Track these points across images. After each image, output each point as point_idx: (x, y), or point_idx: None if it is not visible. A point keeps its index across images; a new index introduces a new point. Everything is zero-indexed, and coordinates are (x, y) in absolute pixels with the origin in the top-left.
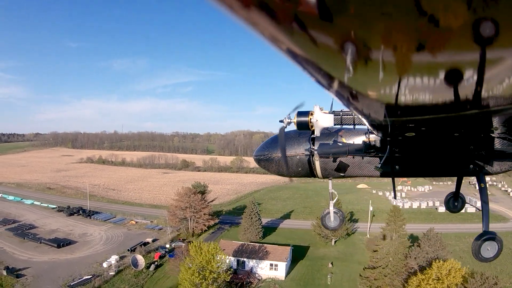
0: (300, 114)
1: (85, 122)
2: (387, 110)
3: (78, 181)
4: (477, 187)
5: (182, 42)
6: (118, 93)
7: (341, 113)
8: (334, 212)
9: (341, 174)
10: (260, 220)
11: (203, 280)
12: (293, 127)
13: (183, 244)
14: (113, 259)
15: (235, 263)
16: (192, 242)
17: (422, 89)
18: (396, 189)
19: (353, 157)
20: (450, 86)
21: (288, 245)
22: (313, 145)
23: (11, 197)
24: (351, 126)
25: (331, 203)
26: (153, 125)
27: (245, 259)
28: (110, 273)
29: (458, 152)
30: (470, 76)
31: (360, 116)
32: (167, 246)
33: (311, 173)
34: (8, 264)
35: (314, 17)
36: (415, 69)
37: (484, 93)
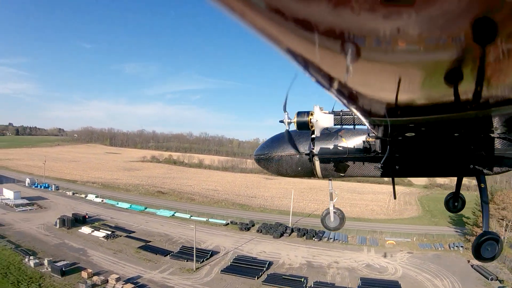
0: (300, 114)
1: (92, 122)
2: (387, 110)
3: (177, 183)
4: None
5: (194, 49)
6: (128, 96)
7: (341, 113)
8: (334, 212)
9: (341, 174)
10: None
11: None
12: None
13: None
14: None
15: None
16: None
17: (422, 89)
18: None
19: (353, 157)
20: (450, 86)
21: None
22: (313, 145)
23: (124, 205)
24: (351, 126)
25: (331, 203)
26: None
27: None
28: None
29: (458, 152)
30: (470, 76)
31: (360, 116)
32: None
33: (311, 173)
34: None
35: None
36: (415, 69)
37: (484, 93)
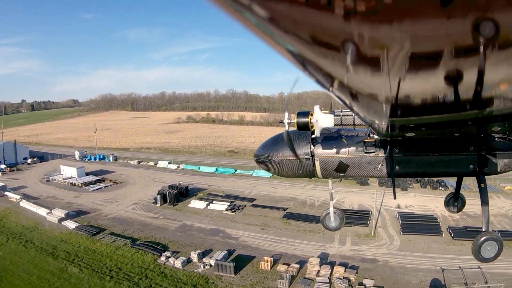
0: (300, 114)
1: (106, 90)
2: (387, 110)
3: (236, 141)
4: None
5: (197, 8)
6: (134, 62)
7: (341, 113)
8: (334, 212)
9: (341, 174)
10: None
11: None
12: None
13: None
14: None
15: None
16: None
17: (422, 89)
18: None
19: (353, 157)
20: (450, 86)
21: None
22: (313, 146)
23: (208, 169)
24: (351, 127)
25: (331, 203)
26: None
27: None
28: None
29: (458, 152)
30: (470, 76)
31: (360, 116)
32: None
33: (311, 173)
34: None
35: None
36: (415, 69)
37: (484, 94)
